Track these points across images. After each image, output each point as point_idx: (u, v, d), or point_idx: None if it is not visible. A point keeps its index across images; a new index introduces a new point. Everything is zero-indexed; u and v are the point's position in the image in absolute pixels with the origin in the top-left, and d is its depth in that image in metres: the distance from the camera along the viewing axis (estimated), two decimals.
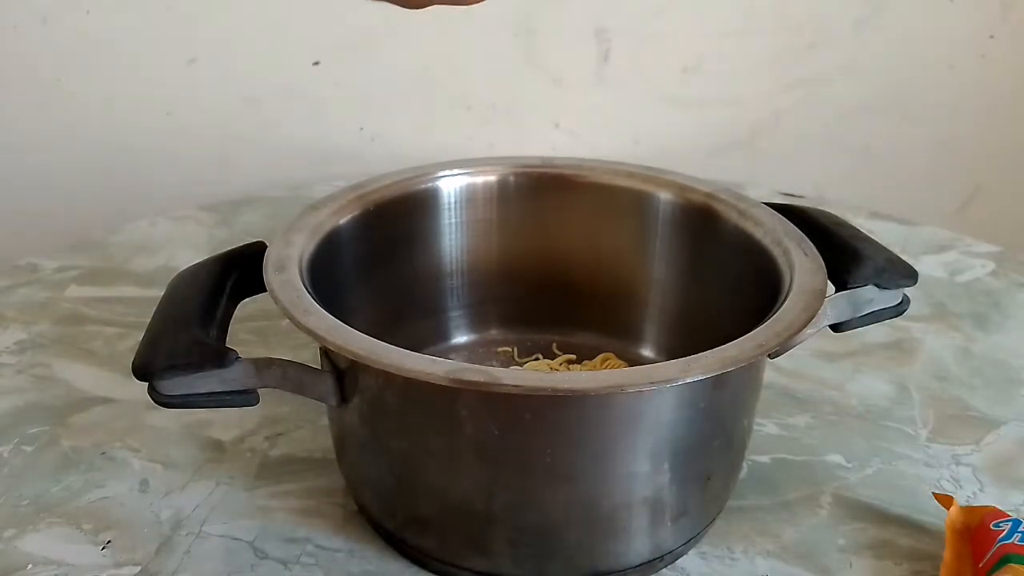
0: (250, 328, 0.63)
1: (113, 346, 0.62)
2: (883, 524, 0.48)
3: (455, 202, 0.56)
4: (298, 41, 0.87)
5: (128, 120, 0.87)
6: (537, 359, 0.58)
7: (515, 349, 0.59)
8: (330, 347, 0.37)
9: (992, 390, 0.59)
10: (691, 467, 0.42)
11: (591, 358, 0.58)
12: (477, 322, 0.59)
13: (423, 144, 0.92)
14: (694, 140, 0.97)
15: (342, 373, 0.41)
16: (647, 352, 0.58)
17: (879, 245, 0.46)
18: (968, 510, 0.46)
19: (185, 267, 0.45)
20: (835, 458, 0.53)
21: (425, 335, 0.57)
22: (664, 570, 0.44)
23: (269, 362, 0.39)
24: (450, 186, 0.55)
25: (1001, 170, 1.03)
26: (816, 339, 0.47)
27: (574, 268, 0.58)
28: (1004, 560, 0.41)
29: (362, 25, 0.87)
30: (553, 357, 0.58)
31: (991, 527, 0.43)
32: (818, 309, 0.41)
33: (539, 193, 0.57)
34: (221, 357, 0.38)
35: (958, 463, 0.53)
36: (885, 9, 0.93)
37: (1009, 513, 0.44)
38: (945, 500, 0.46)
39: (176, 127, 0.88)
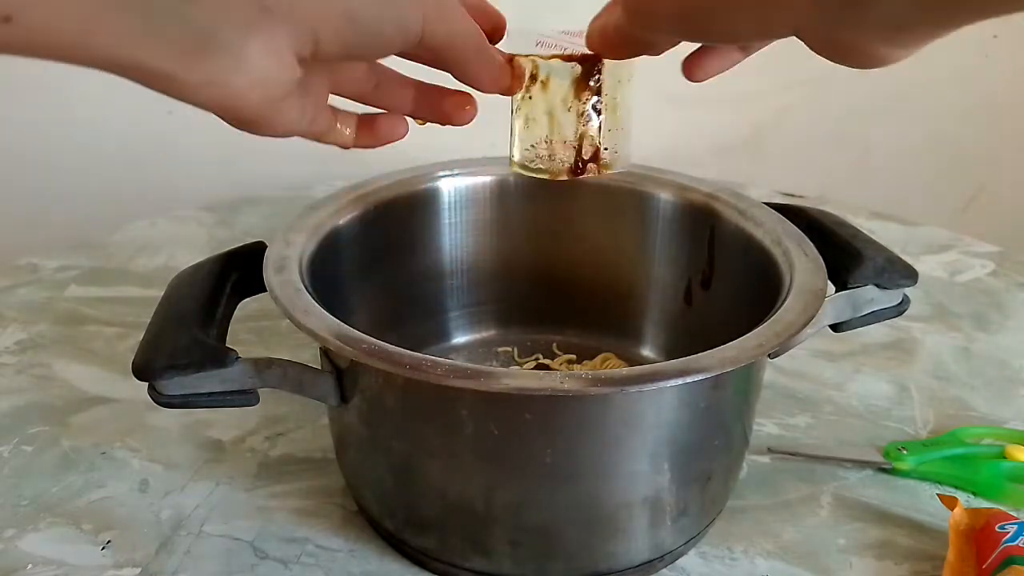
0: (250, 328, 0.63)
1: (113, 346, 0.62)
2: (883, 524, 0.48)
3: (455, 202, 0.56)
4: None
5: (128, 120, 0.87)
6: (537, 359, 0.58)
7: (515, 349, 0.59)
8: (330, 347, 0.37)
9: (992, 390, 0.59)
10: (691, 467, 0.41)
11: (591, 358, 0.58)
12: (477, 322, 0.59)
13: (424, 144, 0.92)
14: (697, 140, 0.97)
15: (342, 373, 0.41)
16: (647, 352, 0.58)
17: (879, 245, 0.46)
18: (973, 512, 0.45)
19: (185, 267, 0.45)
20: None
21: (425, 335, 0.57)
22: (664, 570, 0.44)
23: (269, 362, 0.39)
24: (450, 186, 0.55)
25: (1005, 170, 1.03)
26: (816, 339, 0.47)
27: (574, 268, 0.58)
28: (1008, 562, 0.41)
29: None
30: (553, 357, 0.58)
31: (996, 529, 0.43)
32: (818, 309, 0.41)
33: (539, 193, 0.57)
34: (221, 357, 0.38)
35: None
36: None
37: (1014, 515, 0.44)
38: (949, 501, 0.46)
39: (176, 127, 0.87)
